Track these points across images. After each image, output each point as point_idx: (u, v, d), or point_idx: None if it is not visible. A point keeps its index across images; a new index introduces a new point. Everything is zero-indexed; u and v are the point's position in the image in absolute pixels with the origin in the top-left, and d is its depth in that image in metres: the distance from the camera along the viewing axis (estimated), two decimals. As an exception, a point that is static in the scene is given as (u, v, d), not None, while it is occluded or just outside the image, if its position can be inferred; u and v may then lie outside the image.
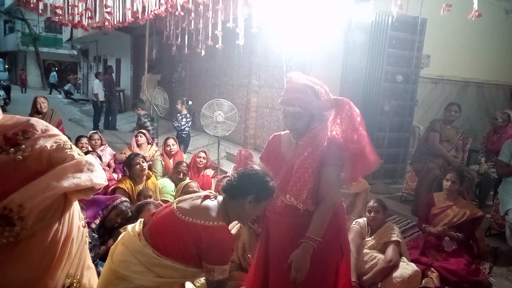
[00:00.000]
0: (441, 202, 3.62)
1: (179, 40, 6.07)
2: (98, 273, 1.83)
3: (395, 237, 3.09)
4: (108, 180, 3.95)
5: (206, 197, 1.85)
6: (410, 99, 5.73)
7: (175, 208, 1.78)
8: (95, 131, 5.39)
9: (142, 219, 1.90)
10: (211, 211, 1.75)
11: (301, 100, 1.88)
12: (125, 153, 5.00)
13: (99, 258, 2.71)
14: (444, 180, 3.65)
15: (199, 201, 1.83)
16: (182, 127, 6.38)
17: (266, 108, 7.33)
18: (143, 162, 3.90)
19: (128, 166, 3.92)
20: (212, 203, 1.82)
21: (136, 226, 1.83)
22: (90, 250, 2.09)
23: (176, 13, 5.04)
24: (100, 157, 4.26)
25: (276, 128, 6.91)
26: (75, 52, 24.33)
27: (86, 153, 4.02)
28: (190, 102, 6.74)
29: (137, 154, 4.05)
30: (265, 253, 2.10)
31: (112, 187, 3.87)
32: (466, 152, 4.85)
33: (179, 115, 6.46)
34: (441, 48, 6.17)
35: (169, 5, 4.86)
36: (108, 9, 5.12)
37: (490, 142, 4.92)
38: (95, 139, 4.99)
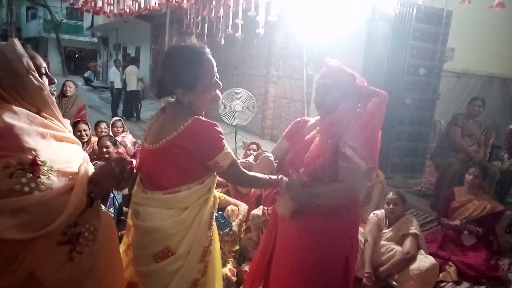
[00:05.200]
0: (462, 196, 3.57)
1: (199, 28, 6.08)
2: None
3: (413, 229, 3.06)
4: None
5: (162, 110, 1.68)
6: (432, 93, 5.63)
7: (145, 145, 1.63)
8: (118, 118, 5.47)
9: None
10: (174, 119, 1.57)
11: (334, 73, 1.85)
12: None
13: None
14: (467, 174, 3.60)
15: (157, 121, 1.66)
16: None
17: (284, 99, 7.30)
18: None
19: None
20: (169, 113, 1.63)
21: (135, 192, 1.69)
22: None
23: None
24: (116, 143, 4.28)
25: (295, 120, 6.88)
26: (95, 40, 24.63)
27: (105, 136, 4.09)
28: None
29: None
30: (271, 240, 2.06)
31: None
32: (488, 148, 4.75)
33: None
34: (466, 41, 6.01)
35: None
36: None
37: (513, 138, 4.80)
38: (117, 126, 5.06)
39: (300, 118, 2.14)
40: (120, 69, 10.79)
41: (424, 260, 2.90)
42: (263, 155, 1.91)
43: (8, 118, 1.13)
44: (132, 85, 10.17)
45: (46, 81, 1.30)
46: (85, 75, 20.79)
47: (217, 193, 3.15)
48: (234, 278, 2.73)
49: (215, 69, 1.63)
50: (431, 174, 4.86)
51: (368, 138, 1.80)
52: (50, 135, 1.23)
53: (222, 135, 1.58)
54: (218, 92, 1.66)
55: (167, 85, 1.59)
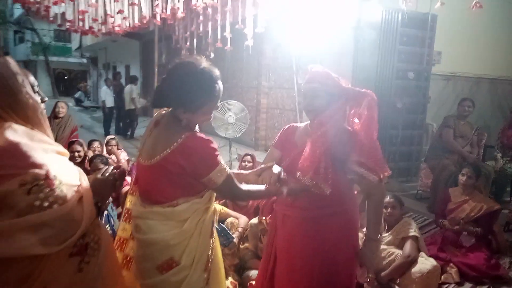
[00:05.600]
0: (457, 197, 3.58)
1: (188, 43, 6.12)
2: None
3: (412, 232, 3.05)
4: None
5: (156, 124, 1.66)
6: (422, 96, 5.68)
7: (141, 160, 1.61)
8: (112, 136, 5.44)
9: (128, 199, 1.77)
10: (168, 134, 1.55)
11: (320, 76, 1.87)
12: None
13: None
14: (460, 175, 3.62)
15: (150, 136, 1.64)
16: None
17: (276, 109, 7.33)
18: None
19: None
20: (162, 127, 1.61)
21: (134, 206, 1.70)
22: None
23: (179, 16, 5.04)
24: (108, 163, 4.24)
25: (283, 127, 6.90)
26: (84, 61, 24.65)
27: (97, 156, 4.05)
28: None
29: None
30: (272, 247, 2.07)
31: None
32: (481, 148, 4.79)
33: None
34: (452, 44, 6.11)
35: (177, 7, 4.89)
36: (124, 14, 5.17)
37: (506, 137, 4.84)
38: (111, 145, 5.03)
39: (287, 125, 2.14)
40: (111, 87, 10.78)
41: (425, 263, 2.88)
42: (267, 168, 1.88)
43: (11, 135, 1.12)
44: (131, 104, 10.14)
45: (38, 98, 1.29)
46: (76, 95, 20.77)
47: (217, 206, 3.13)
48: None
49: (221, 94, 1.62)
50: (426, 176, 4.88)
51: (371, 148, 1.82)
52: (51, 150, 1.23)
53: (216, 151, 1.57)
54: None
55: (169, 99, 1.55)
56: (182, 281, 1.56)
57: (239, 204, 3.43)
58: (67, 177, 1.22)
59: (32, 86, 1.28)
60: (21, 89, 1.21)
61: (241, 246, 3.12)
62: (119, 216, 3.30)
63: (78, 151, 4.16)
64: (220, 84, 1.59)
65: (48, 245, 1.10)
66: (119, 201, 3.58)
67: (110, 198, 3.20)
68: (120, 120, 10.67)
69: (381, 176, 1.83)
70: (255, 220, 3.09)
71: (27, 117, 1.21)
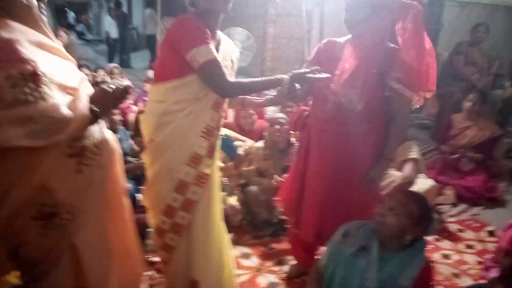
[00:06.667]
0: (460, 123, 3.60)
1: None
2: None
3: (413, 155, 3.10)
4: (125, 108, 4.16)
5: None
6: (435, 23, 5.48)
7: None
8: (115, 64, 5.39)
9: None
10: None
11: None
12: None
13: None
14: (465, 101, 3.60)
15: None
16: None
17: (284, 38, 7.13)
18: None
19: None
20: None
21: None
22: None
23: None
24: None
25: (295, 59, 6.77)
26: (85, -9, 23.65)
27: (102, 82, 4.08)
28: None
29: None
30: (303, 167, 2.06)
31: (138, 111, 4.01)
32: (491, 76, 4.69)
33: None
34: (470, -32, 5.75)
35: None
36: None
37: (517, 65, 4.75)
38: (115, 73, 5.00)
39: (325, 40, 2.00)
40: (115, 18, 10.43)
41: (423, 183, 2.97)
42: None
43: (3, 32, 1.13)
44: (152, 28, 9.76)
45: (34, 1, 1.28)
46: (78, 28, 20.24)
47: (225, 130, 3.20)
48: (239, 207, 2.86)
49: None
50: (432, 105, 4.85)
51: (412, 65, 1.72)
52: (45, 48, 1.24)
53: (207, 35, 1.57)
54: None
55: None
56: (159, 158, 1.68)
57: (244, 129, 3.49)
58: (60, 78, 1.23)
59: None
60: None
61: (245, 169, 3.23)
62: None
63: (87, 75, 4.17)
64: None
65: (34, 139, 1.13)
66: (127, 126, 3.66)
67: (120, 121, 3.29)
68: (124, 52, 10.48)
69: (421, 95, 1.77)
70: (259, 144, 3.16)
71: (22, 19, 1.21)
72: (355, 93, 1.71)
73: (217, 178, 1.92)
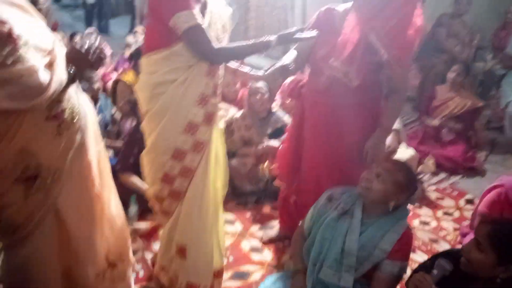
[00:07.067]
0: (443, 94, 3.64)
1: None
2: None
3: (395, 125, 3.14)
4: (105, 75, 4.05)
5: None
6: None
7: None
8: (91, 30, 5.18)
9: None
10: None
11: None
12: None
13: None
14: (449, 72, 3.63)
15: None
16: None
17: (266, 7, 6.98)
18: None
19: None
20: None
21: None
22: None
23: None
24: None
25: (277, 29, 6.65)
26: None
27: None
28: None
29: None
30: (299, 134, 2.08)
31: (113, 80, 3.85)
32: (472, 48, 4.73)
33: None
34: None
35: None
36: None
37: (497, 38, 4.80)
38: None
39: (325, 7, 1.91)
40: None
41: (404, 152, 3.02)
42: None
43: None
44: None
45: None
46: (53, -8, 19.31)
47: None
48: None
49: None
50: (415, 77, 4.87)
51: (397, 25, 1.65)
52: (18, 8, 1.18)
53: None
54: None
55: None
56: (155, 127, 1.65)
57: (227, 97, 3.45)
58: (36, 40, 1.19)
59: None
60: None
61: (228, 140, 3.20)
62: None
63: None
64: None
65: (15, 100, 1.12)
66: (107, 91, 3.55)
67: (98, 84, 3.18)
68: (102, 18, 10.10)
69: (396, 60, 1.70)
70: (238, 114, 3.13)
71: None
72: (354, 70, 1.69)
73: (220, 144, 1.88)
